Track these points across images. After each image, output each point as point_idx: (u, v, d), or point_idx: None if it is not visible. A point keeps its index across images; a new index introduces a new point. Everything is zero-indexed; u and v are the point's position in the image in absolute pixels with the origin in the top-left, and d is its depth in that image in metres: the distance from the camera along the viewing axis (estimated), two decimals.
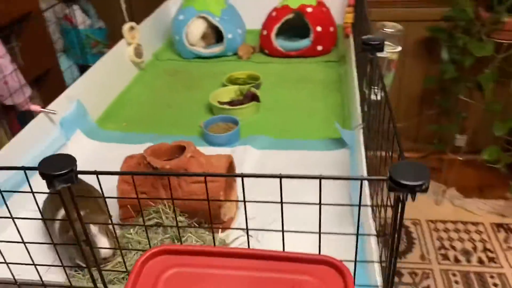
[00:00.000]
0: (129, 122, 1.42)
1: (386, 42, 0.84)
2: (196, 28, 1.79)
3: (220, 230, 0.93)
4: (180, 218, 0.89)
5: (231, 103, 1.42)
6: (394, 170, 0.47)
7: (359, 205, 0.50)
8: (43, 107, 1.17)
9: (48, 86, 2.04)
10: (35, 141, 1.13)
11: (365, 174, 0.86)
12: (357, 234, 0.53)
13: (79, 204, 0.80)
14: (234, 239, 0.91)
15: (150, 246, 0.80)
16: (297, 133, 1.29)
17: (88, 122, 1.35)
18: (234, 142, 1.25)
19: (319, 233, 0.53)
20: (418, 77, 2.35)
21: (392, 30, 0.82)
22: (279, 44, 1.77)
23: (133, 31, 1.64)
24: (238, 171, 1.13)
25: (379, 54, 0.81)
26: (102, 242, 0.80)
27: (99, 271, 0.63)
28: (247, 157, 1.18)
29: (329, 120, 1.31)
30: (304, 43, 1.75)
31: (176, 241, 0.86)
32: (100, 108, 1.46)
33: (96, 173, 0.54)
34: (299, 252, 0.54)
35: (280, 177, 0.50)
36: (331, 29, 1.75)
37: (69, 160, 0.54)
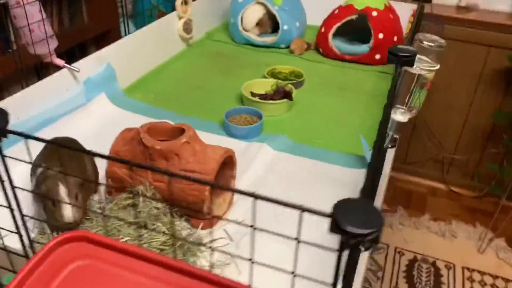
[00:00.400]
0: (157, 96, 1.38)
1: (422, 57, 0.72)
2: (252, 14, 1.71)
3: (199, 226, 0.86)
4: (158, 204, 0.83)
5: (263, 96, 1.33)
6: (338, 208, 0.37)
7: (298, 240, 0.41)
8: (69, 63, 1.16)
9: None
10: (51, 94, 1.11)
11: None
12: (294, 274, 0.43)
13: (53, 161, 0.76)
14: (211, 240, 0.84)
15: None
16: (321, 142, 1.18)
17: (115, 87, 1.32)
18: (252, 137, 1.17)
19: (251, 261, 0.44)
20: (489, 109, 2.12)
21: (432, 44, 0.69)
22: (335, 44, 1.65)
23: (186, 5, 1.60)
24: (247, 168, 1.05)
25: (409, 69, 0.68)
26: (64, 207, 0.75)
27: (28, 238, 0.58)
28: (259, 156, 1.09)
29: (361, 134, 1.19)
30: (362, 48, 1.62)
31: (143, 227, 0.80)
32: (133, 76, 1.43)
33: (26, 136, 0.48)
34: (226, 278, 0.46)
35: (214, 185, 0.42)
36: (395, 38, 1.60)
37: (1, 116, 0.49)
